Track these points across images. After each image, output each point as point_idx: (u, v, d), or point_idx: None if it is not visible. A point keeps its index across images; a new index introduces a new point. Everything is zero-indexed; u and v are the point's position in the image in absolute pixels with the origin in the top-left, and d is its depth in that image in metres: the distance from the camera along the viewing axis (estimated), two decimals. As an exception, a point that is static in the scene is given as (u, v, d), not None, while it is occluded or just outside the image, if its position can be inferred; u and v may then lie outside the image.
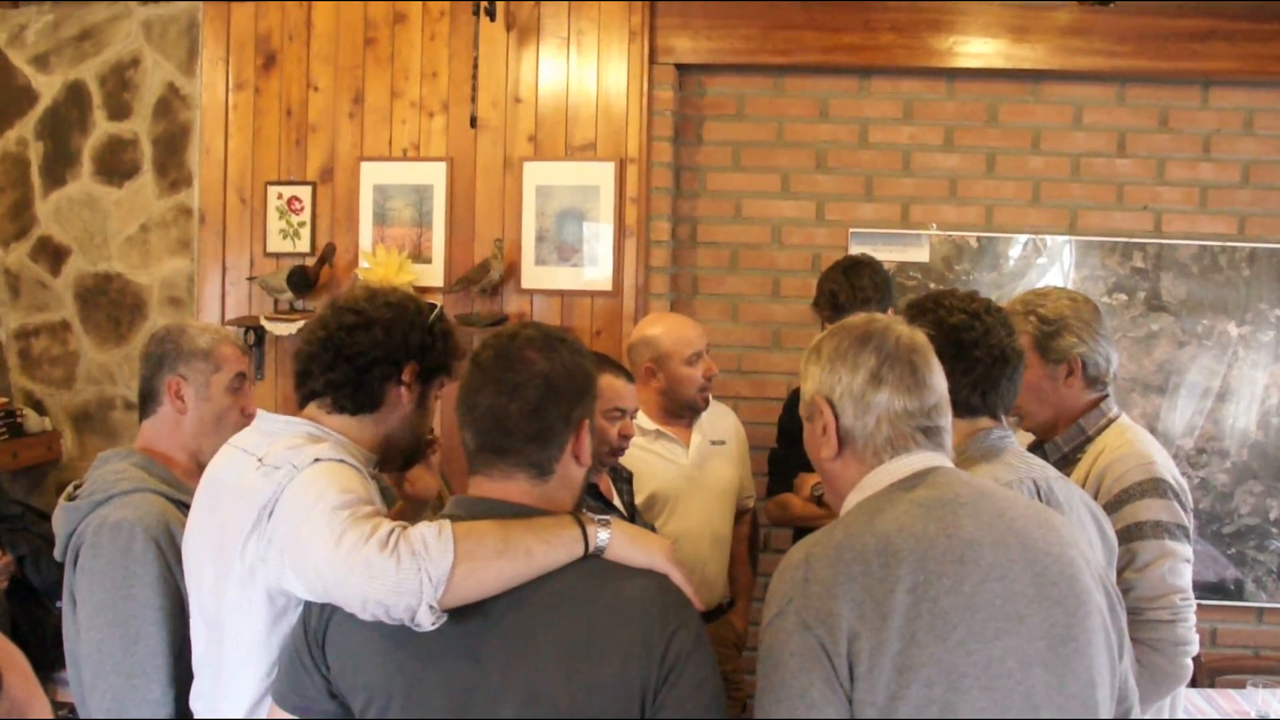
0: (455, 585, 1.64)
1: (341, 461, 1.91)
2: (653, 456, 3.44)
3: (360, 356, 2.03)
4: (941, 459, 1.84)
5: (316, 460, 1.88)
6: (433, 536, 1.66)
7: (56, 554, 2.40)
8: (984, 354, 2.19)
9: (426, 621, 1.64)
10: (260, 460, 1.94)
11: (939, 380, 1.86)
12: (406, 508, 2.37)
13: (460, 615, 1.68)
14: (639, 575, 1.75)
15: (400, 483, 2.34)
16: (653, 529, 3.22)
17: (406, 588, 1.63)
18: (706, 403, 3.55)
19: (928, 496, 1.75)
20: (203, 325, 2.61)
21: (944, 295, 2.32)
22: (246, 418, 2.42)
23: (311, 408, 2.08)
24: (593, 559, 1.74)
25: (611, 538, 1.75)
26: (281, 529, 1.83)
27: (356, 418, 2.06)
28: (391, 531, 1.69)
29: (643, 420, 3.42)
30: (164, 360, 2.49)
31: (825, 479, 1.94)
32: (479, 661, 1.68)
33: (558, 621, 1.69)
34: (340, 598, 1.71)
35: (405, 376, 2.06)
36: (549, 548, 1.70)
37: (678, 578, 1.78)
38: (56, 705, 3.57)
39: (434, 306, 2.15)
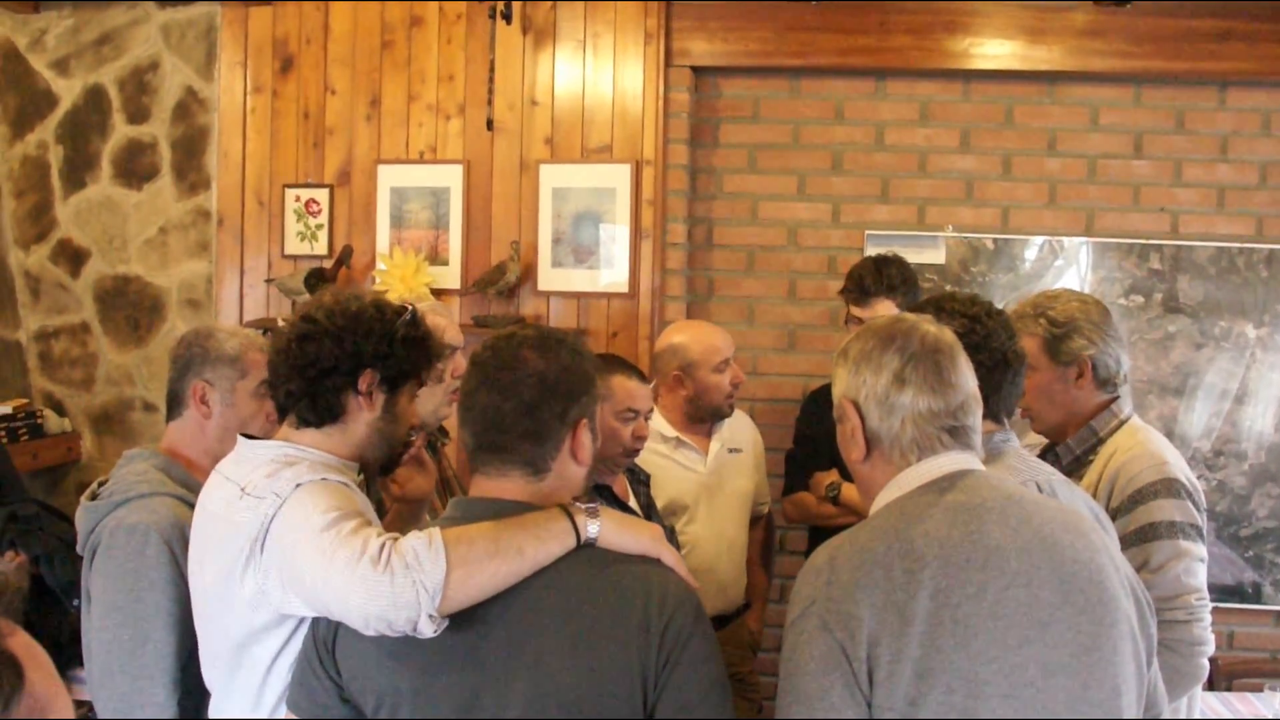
0: (452, 592, 1.66)
1: (324, 480, 1.91)
2: (671, 464, 3.45)
3: (310, 367, 1.99)
4: (971, 460, 1.83)
5: (298, 485, 1.88)
6: (423, 547, 1.67)
7: (78, 550, 2.41)
8: (985, 358, 2.16)
9: (428, 630, 1.66)
10: (243, 490, 1.93)
11: (966, 379, 1.84)
12: (402, 509, 2.37)
13: (462, 615, 1.70)
14: (634, 562, 1.76)
15: (389, 486, 2.33)
16: (672, 530, 3.23)
17: (404, 601, 1.64)
18: (732, 409, 3.56)
19: (955, 501, 1.74)
20: (231, 329, 2.60)
21: (944, 299, 2.31)
22: (272, 423, 2.42)
23: (284, 426, 2.07)
24: (586, 549, 1.75)
25: (602, 527, 1.77)
26: (276, 561, 1.84)
27: (324, 431, 2.04)
28: (382, 547, 1.70)
29: (663, 427, 3.43)
30: (190, 365, 2.48)
31: (856, 480, 1.93)
32: (483, 657, 1.70)
33: (556, 613, 1.70)
34: (343, 617, 1.73)
35: (362, 386, 2.03)
36: (540, 543, 1.71)
37: (670, 560, 1.79)
38: (76, 704, 3.59)
39: (404, 310, 2.10)
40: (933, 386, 1.81)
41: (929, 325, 1.88)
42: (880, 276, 3.55)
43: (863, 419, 1.84)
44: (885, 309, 3.48)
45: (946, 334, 1.88)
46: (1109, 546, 1.82)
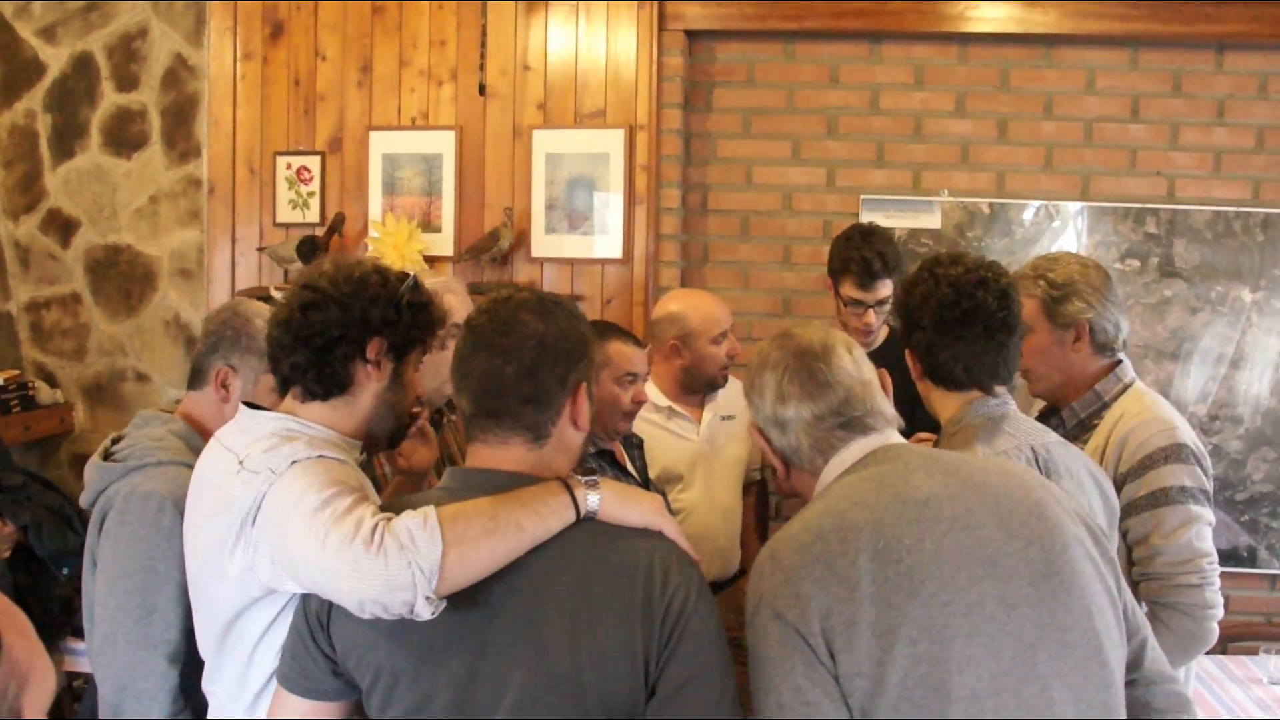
0: (448, 572, 1.61)
1: (321, 457, 1.87)
2: (664, 433, 3.44)
3: (317, 337, 1.94)
4: (883, 438, 1.89)
5: (294, 463, 1.84)
6: (418, 527, 1.63)
7: (83, 502, 2.37)
8: (968, 330, 2.22)
9: (425, 613, 1.62)
10: (241, 463, 1.90)
11: (845, 374, 1.89)
12: (405, 481, 2.35)
13: (459, 593, 1.66)
14: (635, 536, 1.74)
15: (394, 458, 2.31)
16: (665, 495, 3.21)
17: (399, 583, 1.59)
18: (726, 380, 3.54)
19: (877, 471, 1.81)
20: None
21: (939, 265, 2.32)
22: None
23: (289, 399, 2.02)
24: (587, 522, 1.72)
25: (602, 499, 1.73)
26: (268, 538, 1.81)
27: (329, 404, 1.99)
28: (375, 527, 1.65)
29: (656, 396, 3.41)
30: (220, 344, 2.43)
31: (798, 496, 2.00)
32: (482, 636, 1.68)
33: (556, 591, 1.67)
34: (336, 600, 1.70)
35: (370, 354, 1.98)
36: (539, 519, 1.68)
37: (672, 531, 1.77)
38: (70, 676, 3.58)
39: (406, 277, 2.05)
40: (810, 393, 1.88)
41: (807, 332, 1.96)
42: (885, 259, 3.50)
43: (769, 442, 1.95)
44: (886, 290, 3.49)
45: (829, 336, 1.95)
46: (1048, 485, 1.87)
